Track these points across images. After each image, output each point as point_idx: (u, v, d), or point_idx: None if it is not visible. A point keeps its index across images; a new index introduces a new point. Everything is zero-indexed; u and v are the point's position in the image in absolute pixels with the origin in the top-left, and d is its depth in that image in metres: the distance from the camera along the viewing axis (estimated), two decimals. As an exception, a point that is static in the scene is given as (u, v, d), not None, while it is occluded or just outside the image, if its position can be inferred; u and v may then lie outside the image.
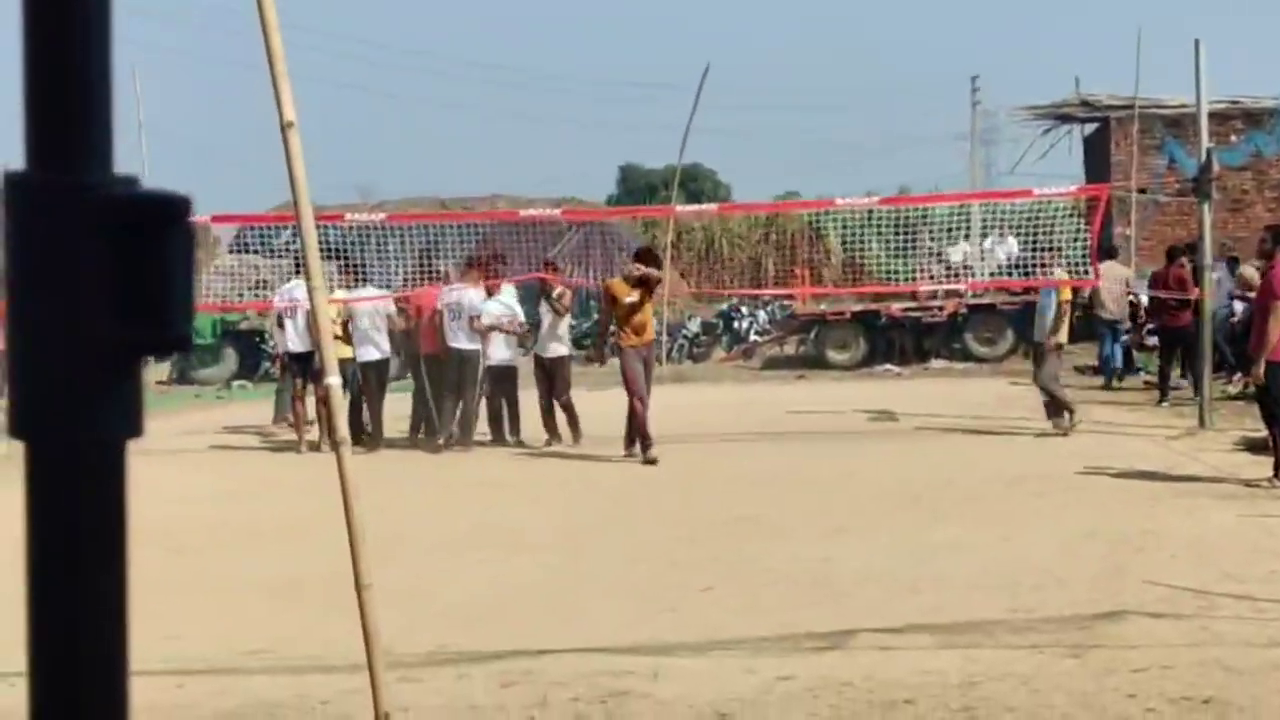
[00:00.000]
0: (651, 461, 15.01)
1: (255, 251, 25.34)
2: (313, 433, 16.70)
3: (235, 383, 29.67)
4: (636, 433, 15.49)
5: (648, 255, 16.91)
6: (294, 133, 5.37)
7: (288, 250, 22.41)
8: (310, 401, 17.07)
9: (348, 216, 24.51)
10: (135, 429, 1.02)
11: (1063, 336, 17.06)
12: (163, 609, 9.05)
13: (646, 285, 15.90)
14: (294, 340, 17.35)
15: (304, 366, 17.06)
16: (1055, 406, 16.78)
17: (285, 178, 5.45)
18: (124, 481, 1.01)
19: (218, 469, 16.23)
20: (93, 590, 1.01)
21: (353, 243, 23.22)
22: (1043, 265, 19.79)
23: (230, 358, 30.47)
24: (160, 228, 1.00)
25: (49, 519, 1.00)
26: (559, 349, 17.16)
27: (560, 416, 16.92)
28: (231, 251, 27.79)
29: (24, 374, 0.99)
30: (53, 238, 0.98)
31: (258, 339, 30.43)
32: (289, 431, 18.07)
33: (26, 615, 1.03)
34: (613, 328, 16.55)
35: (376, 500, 12.61)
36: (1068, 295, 17.14)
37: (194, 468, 16.07)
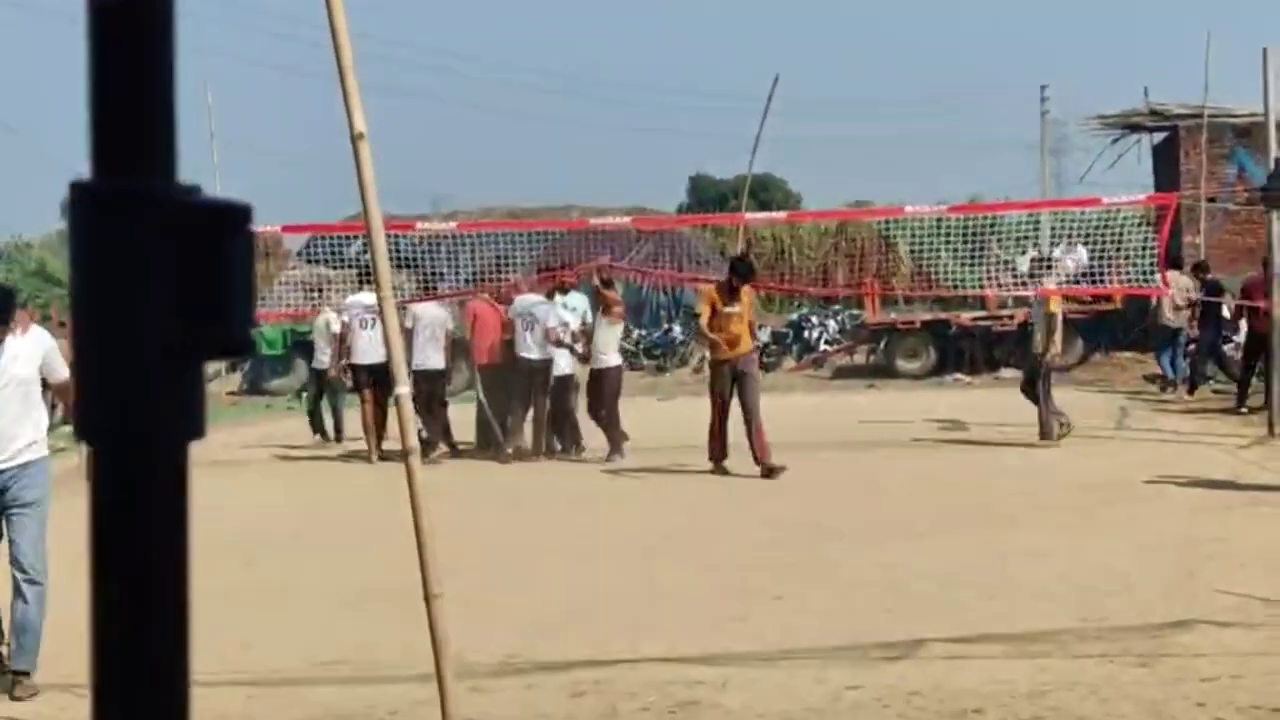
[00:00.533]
0: (770, 472, 14.53)
1: (325, 262, 25.51)
2: (385, 442, 16.80)
3: (306, 393, 29.81)
4: (717, 449, 15.07)
5: (742, 266, 16.08)
6: (364, 144, 5.42)
7: (358, 261, 22.54)
8: (370, 410, 17.30)
9: (419, 225, 24.66)
10: (198, 430, 1.04)
11: (1056, 348, 17.06)
12: (235, 619, 9.14)
13: (739, 294, 15.27)
14: (365, 351, 17.46)
15: (374, 377, 17.09)
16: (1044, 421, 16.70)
17: (356, 188, 5.51)
18: (186, 482, 1.03)
19: (288, 479, 16.37)
20: (156, 592, 1.03)
21: (424, 252, 23.33)
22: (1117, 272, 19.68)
23: (301, 368, 30.54)
24: (221, 234, 1.02)
25: (113, 519, 1.02)
26: (605, 360, 17.17)
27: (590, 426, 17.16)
28: (302, 262, 28.00)
29: (89, 377, 1.01)
30: (116, 243, 1.00)
31: (330, 349, 30.57)
32: (326, 447, 18.38)
33: (90, 618, 1.05)
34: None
35: (446, 510, 12.69)
36: (1055, 308, 17.05)
37: (265, 478, 16.23)
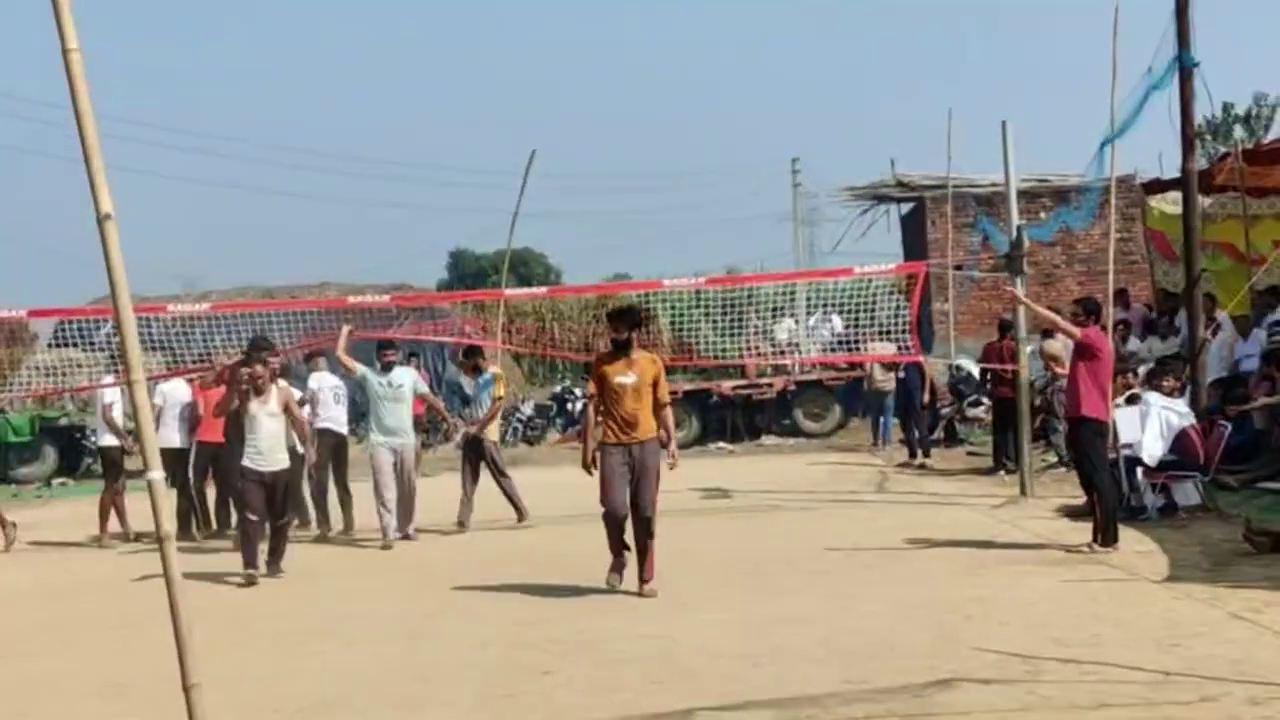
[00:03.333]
0: (651, 594, 11.71)
1: (75, 345, 24.78)
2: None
3: (56, 480, 29.00)
4: (617, 556, 12.07)
5: (622, 317, 12.06)
6: (111, 224, 5.29)
7: (109, 343, 21.94)
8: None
9: (170, 308, 24.13)
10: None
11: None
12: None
13: (632, 359, 11.87)
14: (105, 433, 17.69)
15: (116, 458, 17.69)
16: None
17: (104, 270, 5.36)
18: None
19: (40, 567, 15.78)
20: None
21: (177, 334, 22.85)
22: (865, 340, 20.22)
23: (50, 455, 29.91)
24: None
25: None
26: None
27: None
28: (51, 346, 27.18)
29: None
30: None
31: (78, 435, 29.86)
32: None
33: None
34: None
35: (208, 593, 12.37)
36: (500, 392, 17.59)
37: (16, 566, 15.62)
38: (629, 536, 11.97)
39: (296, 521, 15.83)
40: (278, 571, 13.88)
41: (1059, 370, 17.92)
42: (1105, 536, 12.83)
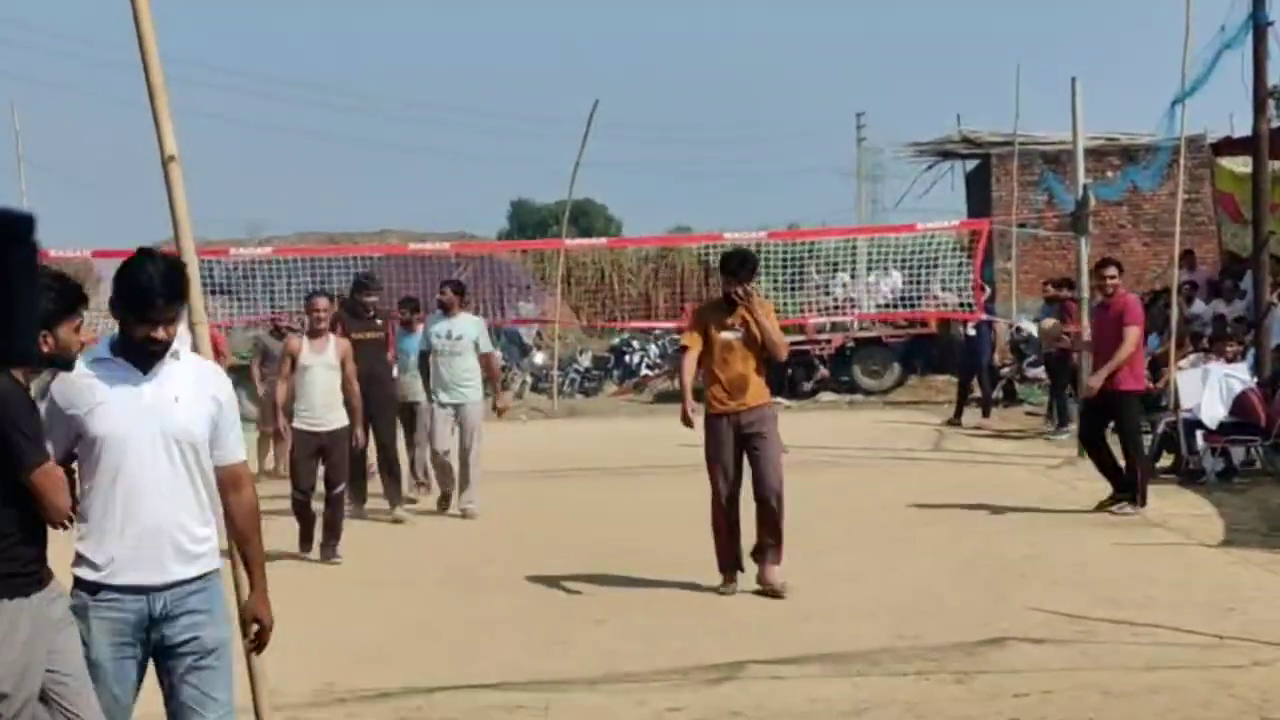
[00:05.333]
0: (781, 592, 9.83)
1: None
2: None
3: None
4: (726, 554, 10.17)
5: (744, 265, 10.16)
6: (175, 167, 5.32)
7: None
8: None
9: (233, 251, 24.32)
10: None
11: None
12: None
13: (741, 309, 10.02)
14: None
15: None
16: None
17: (168, 213, 5.40)
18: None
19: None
20: None
21: (240, 279, 23.01)
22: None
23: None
24: (3, 243, 0.99)
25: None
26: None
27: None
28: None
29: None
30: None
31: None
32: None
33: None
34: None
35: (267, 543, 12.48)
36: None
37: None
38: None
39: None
40: (333, 556, 11.78)
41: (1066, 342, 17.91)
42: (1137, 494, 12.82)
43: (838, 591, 9.86)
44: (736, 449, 10.06)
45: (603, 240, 35.46)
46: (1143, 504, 12.72)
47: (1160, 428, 15.42)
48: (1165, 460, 15.35)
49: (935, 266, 22.46)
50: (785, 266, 27.09)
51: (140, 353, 4.75)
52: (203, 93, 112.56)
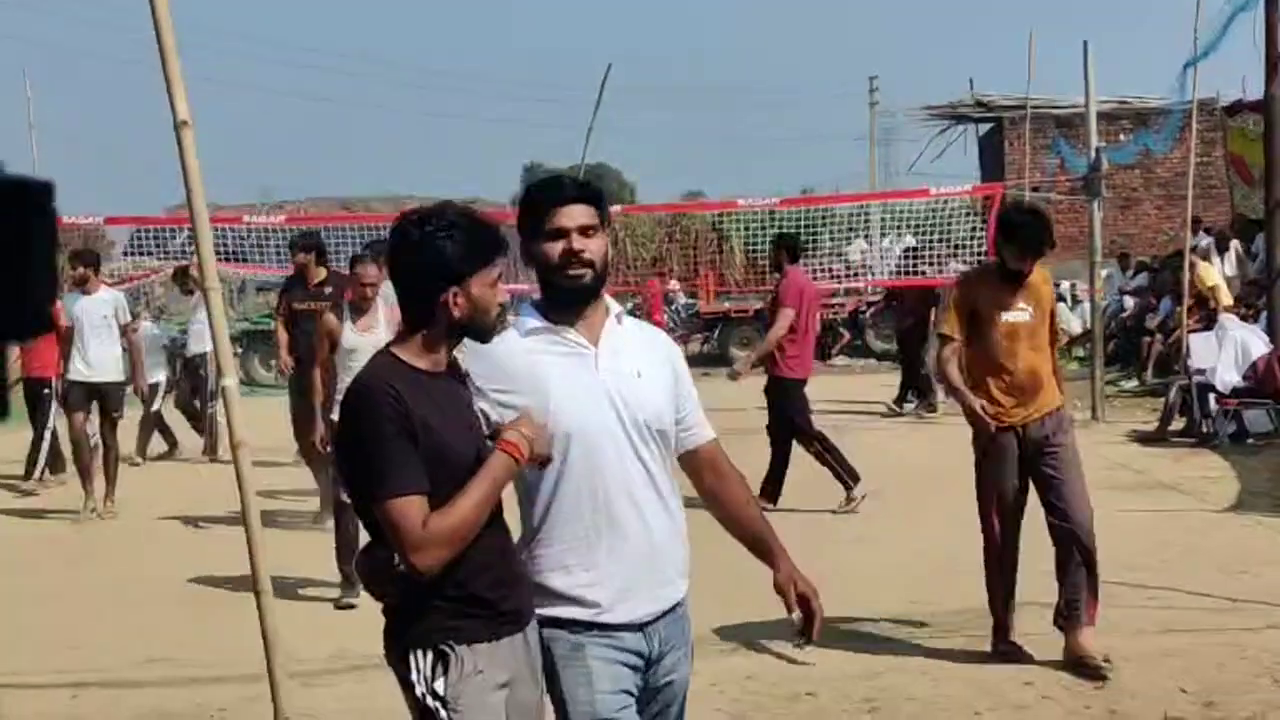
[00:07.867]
0: (1095, 671, 7.00)
1: (150, 254, 25.03)
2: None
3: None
4: (1000, 602, 7.51)
5: (1027, 223, 7.29)
6: (188, 131, 5.30)
7: (184, 253, 22.13)
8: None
9: (246, 218, 24.30)
10: (1, 411, 1.02)
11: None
12: (61, 619, 8.95)
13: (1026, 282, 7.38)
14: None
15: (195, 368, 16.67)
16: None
17: (180, 178, 5.38)
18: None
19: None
20: None
21: (253, 246, 22.99)
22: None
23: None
24: (20, 211, 0.98)
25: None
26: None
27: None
28: (126, 254, 27.48)
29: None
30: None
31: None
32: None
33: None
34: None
35: (276, 505, 12.52)
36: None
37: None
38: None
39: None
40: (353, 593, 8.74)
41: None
42: None
43: (851, 556, 9.87)
44: (1021, 469, 7.41)
45: (616, 207, 35.26)
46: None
47: (1173, 392, 15.39)
48: (1178, 423, 15.32)
49: (949, 232, 22.34)
50: (799, 233, 27.02)
51: (570, 300, 3.78)
52: (215, 58, 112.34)
